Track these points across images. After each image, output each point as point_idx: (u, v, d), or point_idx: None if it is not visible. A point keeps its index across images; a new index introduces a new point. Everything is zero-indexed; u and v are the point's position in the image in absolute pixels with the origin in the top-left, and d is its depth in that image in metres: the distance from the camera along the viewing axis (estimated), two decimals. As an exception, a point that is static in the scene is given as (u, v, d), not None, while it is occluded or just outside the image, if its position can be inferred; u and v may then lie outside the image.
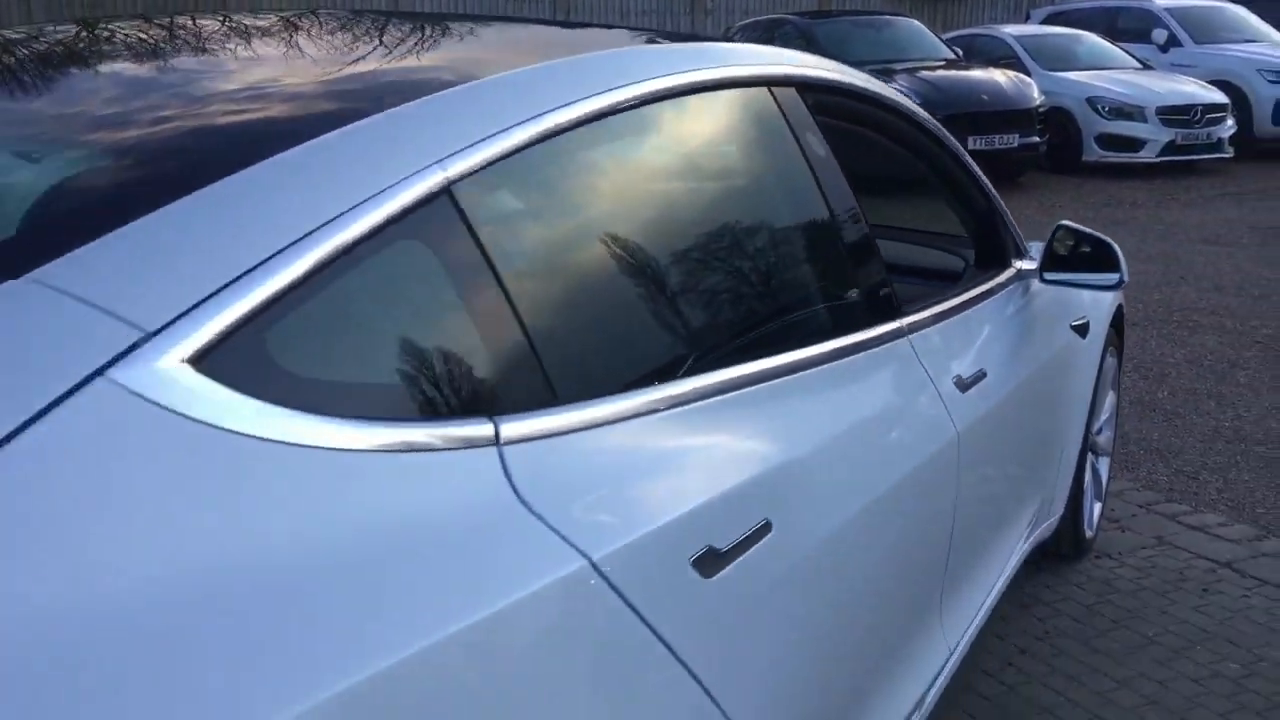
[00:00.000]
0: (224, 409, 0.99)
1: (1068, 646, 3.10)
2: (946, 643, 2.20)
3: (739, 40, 12.93)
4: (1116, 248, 2.71)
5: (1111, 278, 2.68)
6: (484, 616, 1.05)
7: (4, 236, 1.05)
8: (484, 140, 1.32)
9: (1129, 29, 14.82)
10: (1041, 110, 11.31)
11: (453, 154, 1.27)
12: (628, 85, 1.55)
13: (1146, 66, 13.40)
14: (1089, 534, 3.61)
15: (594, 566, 1.17)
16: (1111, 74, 12.73)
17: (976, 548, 2.36)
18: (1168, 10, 14.63)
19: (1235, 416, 4.95)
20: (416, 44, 1.73)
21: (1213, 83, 12.93)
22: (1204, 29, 14.43)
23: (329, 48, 1.68)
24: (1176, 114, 11.98)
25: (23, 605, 0.81)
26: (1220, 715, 2.78)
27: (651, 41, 1.84)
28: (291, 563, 0.96)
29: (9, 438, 0.87)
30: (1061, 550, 3.50)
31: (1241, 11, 15.10)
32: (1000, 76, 11.40)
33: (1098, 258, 2.70)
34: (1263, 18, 15.10)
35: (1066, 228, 2.76)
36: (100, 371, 0.93)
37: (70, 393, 0.91)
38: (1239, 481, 4.25)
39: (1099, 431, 3.61)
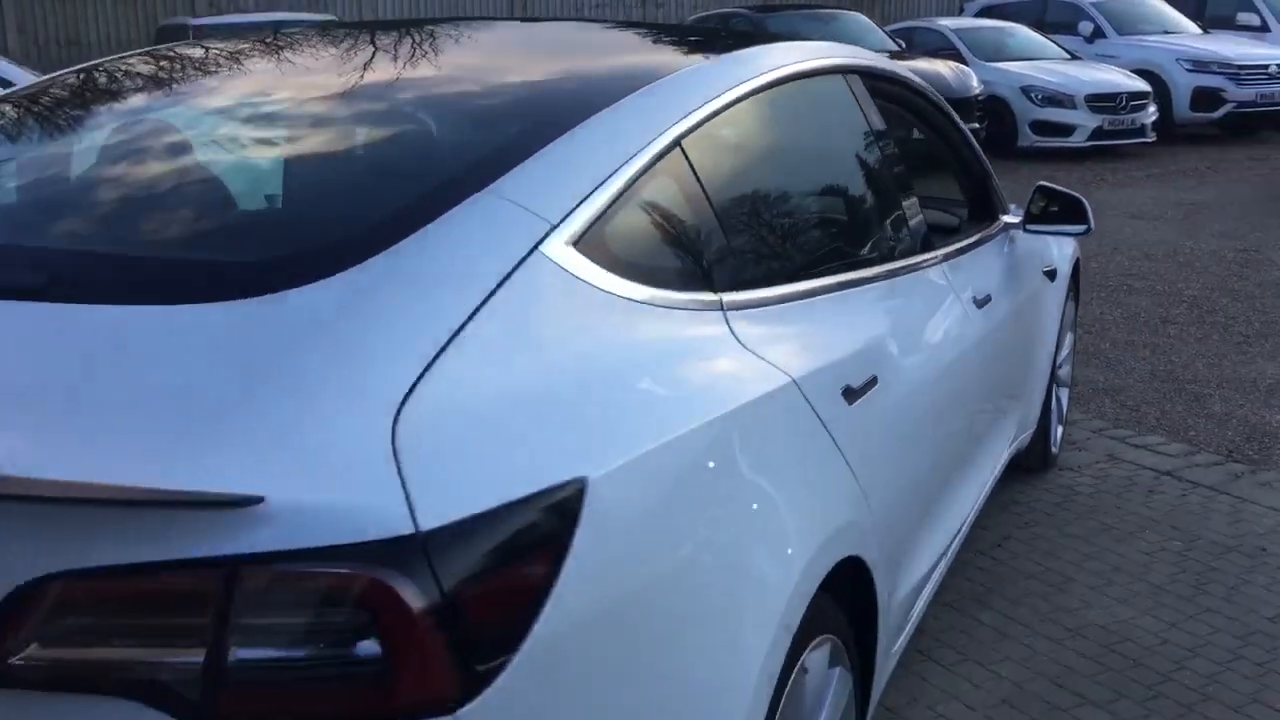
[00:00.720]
0: (586, 271, 1.61)
1: (1043, 533, 3.79)
2: (970, 495, 2.88)
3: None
4: (1085, 202, 3.39)
5: (1081, 227, 3.37)
6: (735, 407, 1.68)
7: (478, 163, 1.67)
8: (697, 109, 1.95)
9: (1057, 21, 15.72)
10: (980, 99, 12.12)
11: (680, 118, 1.91)
12: (769, 71, 2.20)
13: (1074, 57, 14.28)
14: (1054, 451, 4.32)
15: (794, 382, 1.82)
16: (1043, 64, 13.59)
17: (987, 428, 3.04)
18: (1093, 3, 15.55)
19: (1168, 361, 5.71)
20: (624, 40, 2.38)
21: (1135, 72, 13.85)
22: (1126, 21, 15.36)
23: (580, 45, 2.32)
24: (1104, 101, 12.86)
25: (512, 377, 1.43)
26: (1169, 576, 3.49)
27: (764, 41, 2.48)
28: (627, 364, 1.58)
29: (500, 285, 1.49)
30: (1032, 463, 4.20)
31: (1160, 4, 16.07)
32: (942, 67, 12.18)
33: (1070, 211, 3.39)
34: (1177, 9, 16.11)
35: (1043, 188, 3.44)
36: (536, 247, 1.56)
37: (524, 259, 1.53)
38: (1173, 412, 4.99)
39: (1060, 365, 4.32)
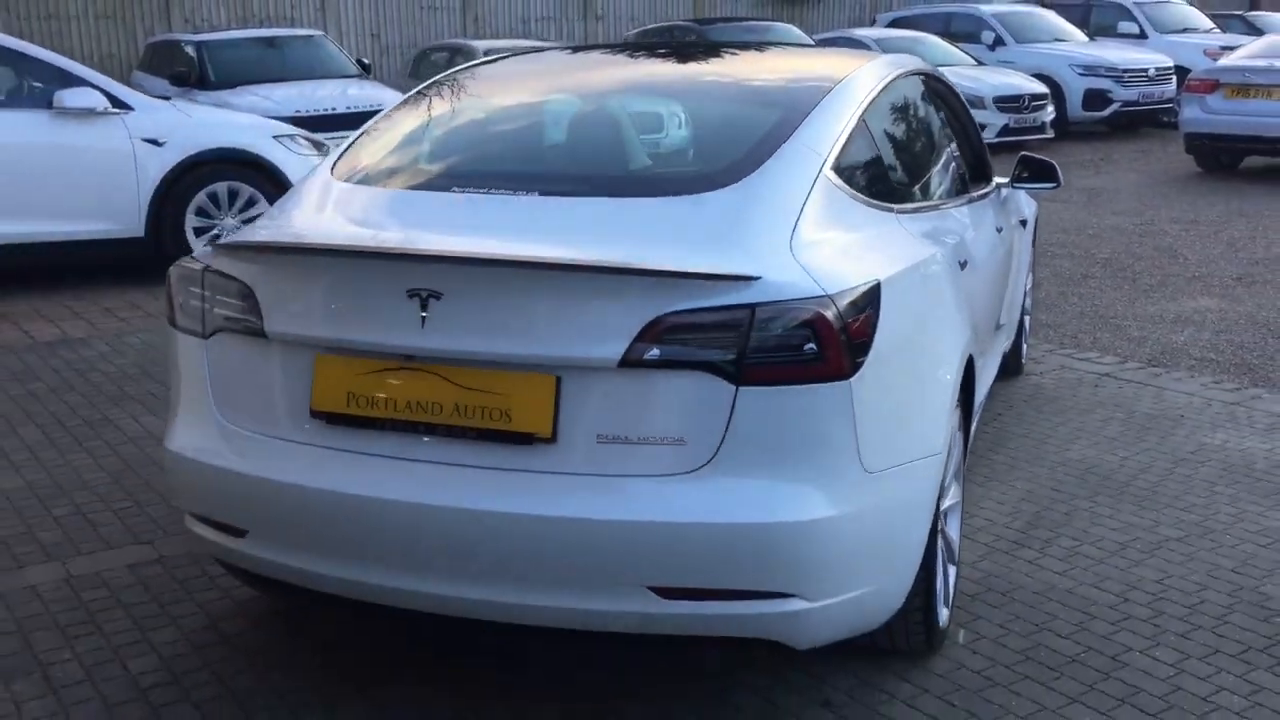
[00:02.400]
0: (841, 185, 2.90)
1: (1025, 411, 5.18)
2: (995, 364, 4.25)
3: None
4: (1057, 166, 4.78)
5: (1054, 184, 4.76)
6: (923, 259, 2.98)
7: (780, 123, 2.95)
8: (868, 94, 3.26)
9: (961, 31, 17.41)
10: (904, 100, 13.65)
11: (861, 101, 3.22)
12: (893, 72, 3.53)
13: (980, 63, 15.94)
14: (1023, 361, 5.73)
15: (941, 254, 3.14)
16: (954, 69, 15.19)
17: (999, 326, 4.42)
18: (993, 15, 17.27)
19: (1092, 305, 7.19)
20: (804, 54, 3.69)
21: (1033, 76, 15.56)
22: (1023, 31, 17.12)
23: (785, 57, 3.63)
24: (1009, 102, 14.52)
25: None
26: (1118, 433, 4.89)
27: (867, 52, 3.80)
28: (867, 232, 2.88)
29: (811, 188, 2.78)
30: (1010, 369, 5.59)
31: (1052, 15, 17.88)
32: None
33: (1045, 172, 4.76)
34: (1064, 18, 17.95)
35: (1025, 156, 4.82)
36: (820, 170, 2.85)
37: (818, 176, 2.82)
38: (1103, 338, 6.45)
39: (1026, 296, 5.72)
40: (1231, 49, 15.25)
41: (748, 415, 2.44)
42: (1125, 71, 15.88)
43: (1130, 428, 4.96)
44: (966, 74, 14.96)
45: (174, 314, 2.92)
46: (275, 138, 8.27)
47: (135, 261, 7.92)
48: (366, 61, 13.10)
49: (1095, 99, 15.91)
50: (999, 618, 3.34)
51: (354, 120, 11.06)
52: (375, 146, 3.30)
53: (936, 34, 16.83)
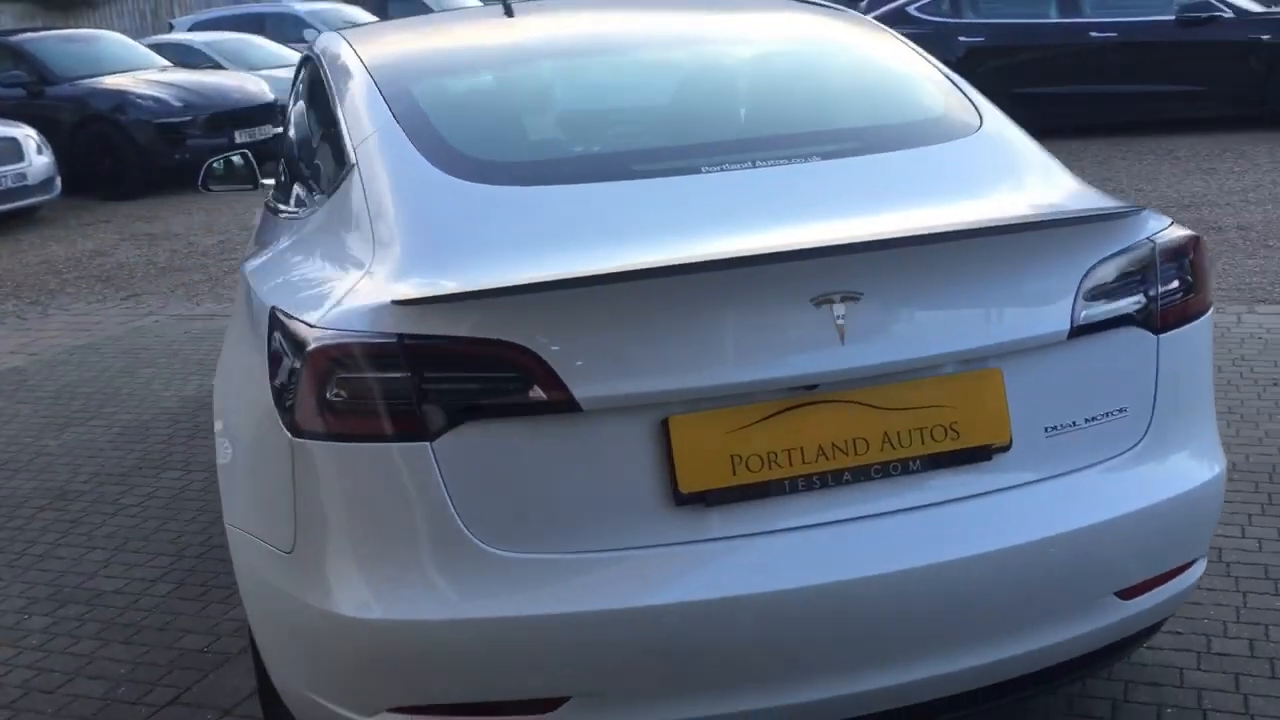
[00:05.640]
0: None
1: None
2: None
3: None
4: None
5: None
6: None
7: (919, 62, 2.57)
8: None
9: (276, 31, 16.68)
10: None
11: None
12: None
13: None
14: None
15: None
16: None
17: None
18: (308, 12, 16.77)
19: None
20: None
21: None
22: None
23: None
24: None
25: None
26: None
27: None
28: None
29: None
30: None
31: (356, 10, 17.79)
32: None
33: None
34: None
35: None
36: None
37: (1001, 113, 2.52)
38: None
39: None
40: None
41: (1168, 366, 2.17)
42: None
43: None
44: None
45: (327, 418, 1.84)
46: None
47: None
48: None
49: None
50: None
51: None
52: (481, 134, 2.41)
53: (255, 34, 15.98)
